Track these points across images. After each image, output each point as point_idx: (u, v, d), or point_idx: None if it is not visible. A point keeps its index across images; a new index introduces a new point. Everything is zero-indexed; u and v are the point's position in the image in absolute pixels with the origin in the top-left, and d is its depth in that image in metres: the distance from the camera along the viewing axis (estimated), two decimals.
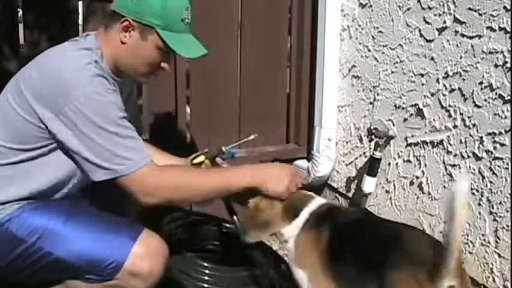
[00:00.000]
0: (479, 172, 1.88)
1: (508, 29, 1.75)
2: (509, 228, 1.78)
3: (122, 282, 1.55)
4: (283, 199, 1.60)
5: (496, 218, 1.83)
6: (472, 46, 1.87)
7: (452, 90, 1.96)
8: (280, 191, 1.61)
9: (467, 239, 1.93)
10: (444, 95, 2.00)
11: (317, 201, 1.61)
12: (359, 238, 1.46)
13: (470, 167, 1.91)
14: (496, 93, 1.80)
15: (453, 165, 1.97)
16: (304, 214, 1.57)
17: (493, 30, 1.79)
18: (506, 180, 1.79)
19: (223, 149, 1.86)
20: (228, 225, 1.92)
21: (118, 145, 1.50)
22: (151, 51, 1.63)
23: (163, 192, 1.56)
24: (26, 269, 1.58)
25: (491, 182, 1.84)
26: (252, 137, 1.95)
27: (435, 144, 2.05)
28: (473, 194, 1.90)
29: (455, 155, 1.97)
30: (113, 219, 1.62)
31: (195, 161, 1.87)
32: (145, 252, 1.55)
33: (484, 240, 1.87)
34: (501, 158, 1.80)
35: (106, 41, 1.65)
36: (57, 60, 1.57)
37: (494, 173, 1.82)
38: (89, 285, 1.57)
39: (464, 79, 1.92)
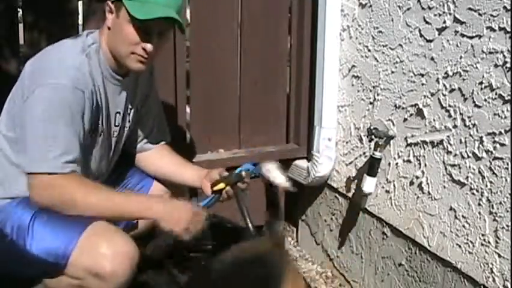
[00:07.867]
0: (479, 172, 1.88)
1: (508, 29, 1.74)
2: (509, 228, 1.78)
3: (84, 282, 1.52)
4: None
5: (496, 218, 1.83)
6: (472, 46, 1.87)
7: (452, 90, 1.96)
8: (177, 231, 1.62)
9: (467, 239, 1.93)
10: (444, 95, 2.00)
11: None
12: None
13: (470, 167, 1.91)
14: (496, 93, 1.80)
15: (453, 165, 1.97)
16: None
17: (493, 30, 1.79)
18: (506, 180, 1.79)
19: (243, 173, 1.83)
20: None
21: (49, 143, 1.52)
22: (126, 28, 1.59)
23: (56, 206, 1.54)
24: (9, 262, 1.59)
25: (491, 182, 1.84)
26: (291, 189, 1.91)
27: (435, 144, 2.05)
28: (473, 194, 1.91)
29: (455, 155, 1.97)
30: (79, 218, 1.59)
31: (215, 188, 1.85)
32: (110, 251, 1.51)
33: (484, 240, 1.87)
34: (501, 158, 1.80)
35: (102, 32, 1.68)
36: (47, 53, 1.64)
37: (494, 173, 1.82)
38: (53, 280, 1.57)
39: (464, 79, 1.92)
